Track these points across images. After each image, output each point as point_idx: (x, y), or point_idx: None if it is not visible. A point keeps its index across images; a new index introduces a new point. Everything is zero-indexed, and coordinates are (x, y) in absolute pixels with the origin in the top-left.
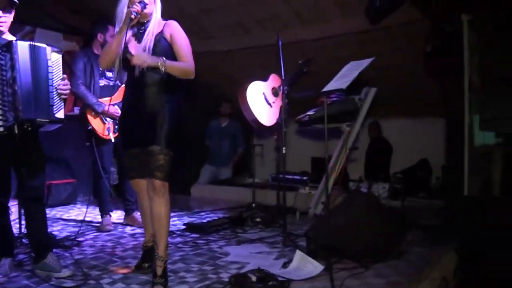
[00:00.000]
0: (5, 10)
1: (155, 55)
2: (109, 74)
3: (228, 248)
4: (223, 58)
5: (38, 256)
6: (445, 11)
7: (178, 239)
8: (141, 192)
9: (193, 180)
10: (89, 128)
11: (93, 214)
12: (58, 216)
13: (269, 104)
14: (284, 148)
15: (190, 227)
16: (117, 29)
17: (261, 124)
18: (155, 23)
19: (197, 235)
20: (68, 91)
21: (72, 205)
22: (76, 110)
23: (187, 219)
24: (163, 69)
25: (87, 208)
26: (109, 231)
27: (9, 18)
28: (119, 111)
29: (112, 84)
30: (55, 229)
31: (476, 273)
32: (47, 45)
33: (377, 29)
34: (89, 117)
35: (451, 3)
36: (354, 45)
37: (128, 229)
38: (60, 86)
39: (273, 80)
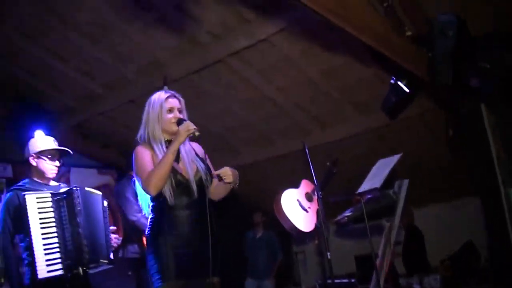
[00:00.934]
0: (55, 159)
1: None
2: None
3: None
4: (250, 169)
5: None
6: (456, 101)
7: None
8: None
9: None
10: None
11: None
12: None
13: (305, 210)
14: (329, 253)
15: None
16: (159, 148)
17: (300, 231)
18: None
19: None
20: (119, 242)
21: None
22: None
23: None
24: (236, 185)
25: None
26: None
27: (58, 166)
28: None
29: None
30: None
31: None
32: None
33: (396, 122)
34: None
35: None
36: (375, 140)
37: None
38: (114, 240)
39: (305, 186)
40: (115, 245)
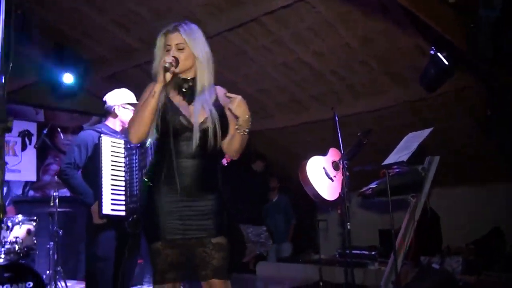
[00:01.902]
0: None
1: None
2: None
3: None
4: (281, 134)
5: None
6: (497, 78)
7: None
8: None
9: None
10: None
11: None
12: None
13: (330, 178)
14: (348, 223)
15: None
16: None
17: (324, 199)
18: (206, 79)
19: None
20: None
21: (139, 286)
22: None
23: None
24: (246, 130)
25: None
26: None
27: None
28: None
29: None
30: None
31: None
32: None
33: (432, 97)
34: None
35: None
36: (409, 114)
37: None
38: None
39: (333, 154)
40: None
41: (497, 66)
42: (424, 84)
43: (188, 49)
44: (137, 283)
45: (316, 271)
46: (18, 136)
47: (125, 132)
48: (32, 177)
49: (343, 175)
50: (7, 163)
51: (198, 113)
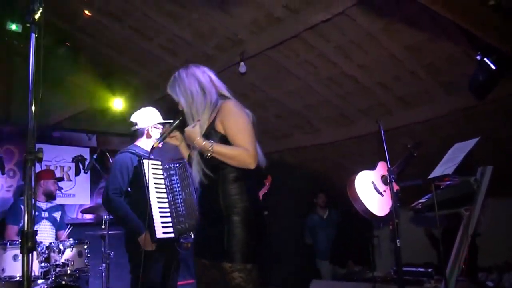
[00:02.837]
0: None
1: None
2: None
3: None
4: (329, 148)
5: None
6: None
7: None
8: None
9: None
10: None
11: None
12: None
13: (380, 193)
14: (398, 240)
15: None
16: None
17: (373, 215)
18: (194, 115)
19: None
20: None
21: None
22: None
23: None
24: (208, 154)
25: None
26: None
27: None
28: None
29: None
30: None
31: None
32: None
33: (485, 103)
34: None
35: None
36: (462, 122)
37: None
38: None
39: (382, 168)
40: None
41: None
42: (473, 91)
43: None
44: None
45: None
46: (72, 161)
47: (154, 153)
48: (86, 201)
49: (391, 190)
50: (61, 188)
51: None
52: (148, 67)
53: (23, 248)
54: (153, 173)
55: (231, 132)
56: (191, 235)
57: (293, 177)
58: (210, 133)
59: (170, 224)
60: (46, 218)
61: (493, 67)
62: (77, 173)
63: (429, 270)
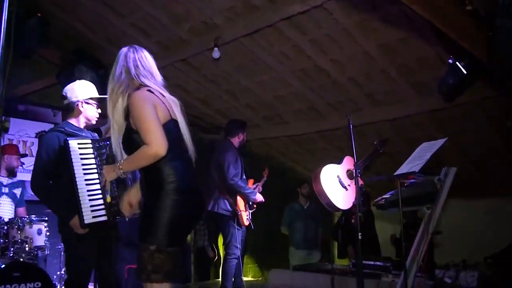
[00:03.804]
0: (98, 107)
1: (126, 150)
2: None
3: None
4: (297, 141)
5: None
6: None
7: None
8: None
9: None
10: (239, 213)
11: None
12: None
13: (344, 187)
14: (360, 233)
15: None
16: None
17: (337, 208)
18: (114, 121)
19: None
20: None
21: None
22: None
23: None
24: (122, 176)
25: None
26: None
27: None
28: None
29: (244, 178)
30: None
31: None
32: None
33: (454, 106)
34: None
35: None
36: (430, 124)
37: None
38: None
39: (348, 162)
40: None
41: None
42: (442, 94)
43: None
44: None
45: (328, 281)
46: (35, 137)
47: (90, 129)
48: None
49: (356, 184)
50: (23, 164)
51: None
52: (119, 46)
53: None
54: (81, 153)
55: (137, 128)
56: (125, 217)
57: (259, 168)
58: (130, 132)
59: (102, 207)
60: (6, 194)
61: (464, 72)
62: None
63: (388, 265)
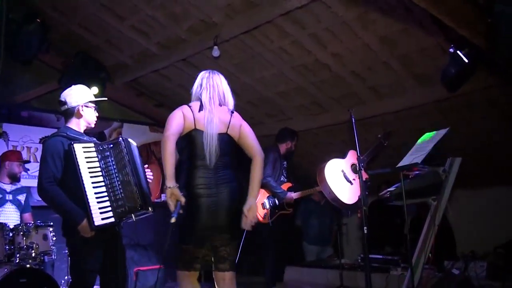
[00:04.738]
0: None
1: None
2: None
3: None
4: (301, 137)
5: None
6: None
7: None
8: None
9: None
10: None
11: None
12: None
13: (349, 181)
14: (365, 227)
15: None
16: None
17: (342, 203)
18: None
19: None
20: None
21: None
22: (164, 197)
23: None
24: None
25: None
26: None
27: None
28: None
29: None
30: None
31: None
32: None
33: (457, 96)
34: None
35: None
36: (434, 114)
37: None
38: (148, 175)
39: (352, 156)
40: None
41: None
42: (445, 83)
43: None
44: None
45: (337, 276)
46: (40, 142)
47: (93, 132)
48: None
49: (360, 178)
50: (27, 170)
51: None
52: (120, 48)
53: None
54: (86, 157)
55: None
56: (132, 218)
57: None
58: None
59: (110, 209)
60: (10, 201)
61: (466, 60)
62: None
63: (396, 258)
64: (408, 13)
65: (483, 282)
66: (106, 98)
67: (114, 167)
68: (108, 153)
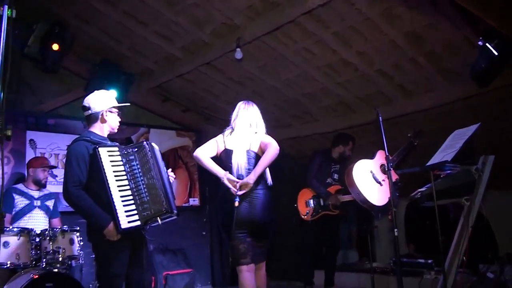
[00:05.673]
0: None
1: None
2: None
3: None
4: (329, 139)
5: None
6: None
7: None
8: None
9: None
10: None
11: None
12: None
13: (379, 182)
14: (396, 230)
15: None
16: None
17: (372, 204)
18: None
19: None
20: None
21: None
22: (192, 201)
23: None
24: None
25: None
26: None
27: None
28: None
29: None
30: None
31: None
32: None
33: (487, 92)
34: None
35: None
36: (465, 111)
37: None
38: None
39: (381, 157)
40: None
41: None
42: (476, 79)
43: None
44: None
45: (369, 280)
46: (67, 149)
47: (117, 140)
48: None
49: (389, 179)
50: (56, 176)
51: None
52: (145, 54)
53: None
54: (111, 161)
55: None
56: (158, 221)
57: (291, 167)
58: None
59: (135, 212)
60: (39, 207)
61: (495, 53)
62: None
63: (429, 261)
64: (433, 7)
65: None
66: (129, 103)
67: (139, 170)
68: (133, 157)
